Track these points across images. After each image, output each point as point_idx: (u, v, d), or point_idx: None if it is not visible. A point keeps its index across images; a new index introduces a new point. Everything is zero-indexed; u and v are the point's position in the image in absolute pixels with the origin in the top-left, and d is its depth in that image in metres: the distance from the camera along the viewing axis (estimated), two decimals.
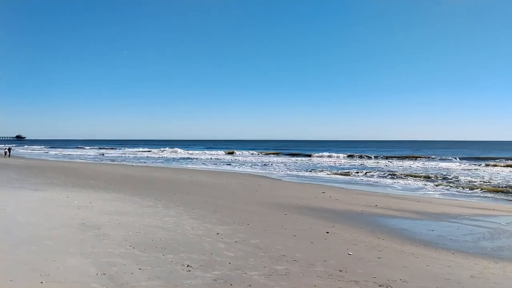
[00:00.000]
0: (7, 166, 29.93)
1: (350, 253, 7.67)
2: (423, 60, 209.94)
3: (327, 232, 9.70)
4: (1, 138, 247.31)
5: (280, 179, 25.22)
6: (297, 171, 32.46)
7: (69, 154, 64.04)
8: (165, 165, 40.88)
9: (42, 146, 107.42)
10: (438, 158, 49.99)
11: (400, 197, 17.41)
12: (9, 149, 49.24)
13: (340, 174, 29.98)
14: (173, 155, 62.36)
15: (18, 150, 78.90)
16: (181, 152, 72.32)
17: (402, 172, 30.99)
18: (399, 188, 21.71)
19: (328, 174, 29.91)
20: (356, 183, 24.13)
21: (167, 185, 19.49)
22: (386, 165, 38.74)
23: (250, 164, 41.30)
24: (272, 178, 25.92)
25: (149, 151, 76.15)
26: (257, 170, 33.56)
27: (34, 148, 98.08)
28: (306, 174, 30.24)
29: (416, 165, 39.18)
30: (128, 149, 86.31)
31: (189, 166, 38.99)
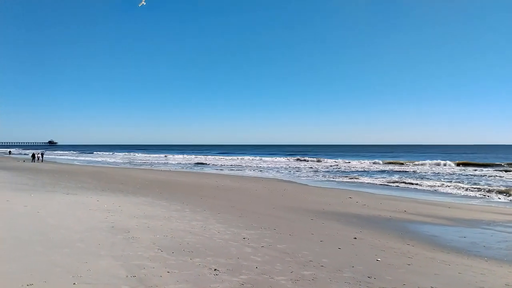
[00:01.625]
0: (41, 170, 30.91)
1: (379, 259, 7.54)
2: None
3: (355, 238, 9.57)
4: (35, 144, 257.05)
5: (307, 184, 25.05)
6: (323, 176, 32.13)
7: (98, 160, 65.48)
8: (191, 170, 41.27)
9: (73, 152, 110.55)
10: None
11: (430, 203, 16.98)
12: (42, 154, 50.91)
13: (367, 178, 29.51)
14: (198, 160, 62.88)
15: (50, 155, 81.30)
16: (205, 158, 72.78)
17: (430, 177, 30.29)
18: (428, 193, 21.19)
19: (354, 179, 29.50)
20: (382, 188, 23.71)
21: (193, 190, 19.67)
22: (414, 170, 37.85)
23: (275, 169, 41.17)
24: (298, 183, 25.79)
25: (174, 156, 77.22)
26: (282, 175, 33.43)
27: (65, 153, 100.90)
28: (333, 179, 29.89)
29: (441, 170, 38.14)
30: (155, 154, 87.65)
31: (214, 171, 39.22)
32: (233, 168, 43.25)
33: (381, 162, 50.10)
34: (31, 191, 15.98)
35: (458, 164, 44.43)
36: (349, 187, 23.49)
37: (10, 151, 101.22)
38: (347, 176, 31.59)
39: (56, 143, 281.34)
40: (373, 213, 13.90)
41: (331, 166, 44.48)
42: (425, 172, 35.37)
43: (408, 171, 36.68)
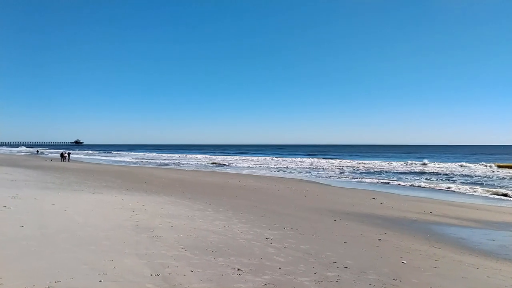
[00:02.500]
0: (67, 170, 31.65)
1: (404, 262, 7.40)
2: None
3: (379, 240, 9.42)
4: (61, 143, 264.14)
5: (329, 185, 24.84)
6: (346, 176, 31.81)
7: (121, 159, 66.59)
8: (212, 169, 41.49)
9: (97, 151, 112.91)
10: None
11: (457, 204, 16.58)
12: (69, 154, 52.15)
13: (391, 179, 29.06)
14: (219, 160, 63.23)
15: (76, 154, 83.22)
16: (225, 158, 73.13)
17: (458, 179, 29.61)
18: (454, 194, 20.70)
19: (377, 179, 29.08)
20: (407, 189, 23.29)
21: (216, 189, 19.78)
22: (439, 171, 37.02)
23: (296, 169, 40.98)
24: (320, 183, 25.61)
25: (195, 156, 77.92)
26: (304, 175, 33.24)
27: (90, 152, 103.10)
28: (356, 179, 29.56)
29: (472, 171, 37.17)
30: (177, 154, 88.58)
31: (236, 170, 39.30)
32: (255, 168, 43.27)
33: (405, 163, 49.18)
34: (58, 189, 16.36)
35: (488, 166, 43.22)
36: (372, 188, 23.17)
37: (38, 151, 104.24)
38: (370, 177, 31.21)
39: (82, 142, 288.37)
40: (398, 214, 13.67)
41: (352, 166, 43.88)
42: (452, 173, 34.57)
43: (434, 172, 35.89)
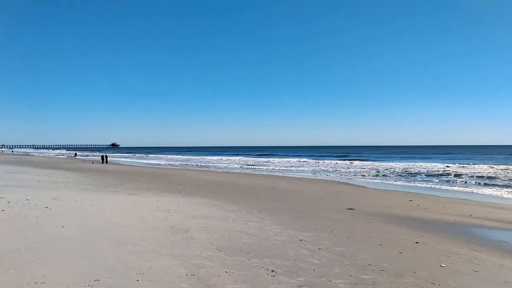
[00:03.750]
0: (104, 172, 32.62)
1: (443, 265, 7.17)
2: None
3: (416, 242, 9.18)
4: (99, 146, 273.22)
5: (364, 186, 24.39)
6: (380, 178, 31.19)
7: (156, 162, 67.91)
8: (246, 171, 41.63)
9: (133, 153, 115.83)
10: None
11: (498, 207, 15.94)
12: (106, 156, 53.76)
13: (428, 181, 28.27)
14: (252, 161, 63.44)
15: (113, 157, 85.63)
16: (254, 160, 73.27)
17: (501, 181, 28.42)
18: (495, 197, 19.90)
19: (413, 181, 28.35)
20: (445, 191, 22.58)
21: (249, 191, 19.86)
22: (482, 173, 35.63)
23: (329, 171, 40.51)
24: (354, 185, 25.21)
25: (226, 158, 78.54)
26: (337, 177, 32.80)
27: (125, 155, 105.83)
28: (390, 181, 28.93)
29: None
30: (208, 157, 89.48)
31: (268, 172, 39.28)
32: (286, 170, 43.08)
33: (444, 164, 47.66)
34: (96, 191, 16.89)
35: None
36: (408, 190, 22.59)
37: (76, 153, 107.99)
38: (406, 178, 30.46)
39: (118, 145, 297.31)
40: (436, 216, 13.27)
41: (387, 168, 42.90)
42: (495, 175, 33.20)
43: (474, 174, 34.59)
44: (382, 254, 7.81)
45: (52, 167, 37.77)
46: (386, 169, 41.00)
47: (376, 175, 33.94)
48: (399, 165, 47.09)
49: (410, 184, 26.16)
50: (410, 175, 33.86)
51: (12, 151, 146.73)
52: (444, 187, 24.26)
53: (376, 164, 51.92)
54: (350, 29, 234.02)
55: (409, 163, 50.86)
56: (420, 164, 48.65)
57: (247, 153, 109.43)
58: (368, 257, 7.48)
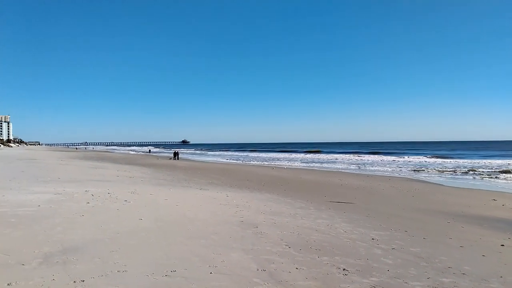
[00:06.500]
0: (177, 168, 34.02)
1: None
2: None
3: (502, 245, 8.46)
4: (170, 143, 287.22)
5: (441, 184, 23.01)
6: (457, 175, 29.24)
7: (225, 158, 69.47)
8: (312, 167, 41.13)
9: (202, 149, 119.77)
10: None
11: None
12: (178, 153, 56.10)
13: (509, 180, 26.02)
14: (317, 158, 62.66)
15: (184, 153, 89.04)
16: (321, 156, 72.22)
17: None
18: None
19: (496, 178, 26.23)
20: None
21: (316, 187, 19.62)
22: None
23: (398, 167, 38.72)
24: (430, 183, 23.90)
25: (290, 154, 78.23)
26: (409, 173, 31.27)
27: (195, 152, 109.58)
28: (469, 178, 27.01)
29: None
30: (277, 154, 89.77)
31: (334, 168, 38.45)
32: (351, 165, 41.81)
33: None
34: (169, 186, 17.64)
35: None
36: (491, 188, 20.95)
37: (149, 150, 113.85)
38: (486, 176, 28.28)
39: (188, 142, 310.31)
40: None
41: (458, 166, 40.09)
42: None
43: None
44: (464, 257, 7.30)
45: (129, 163, 40.13)
46: (458, 168, 38.37)
47: (454, 172, 31.87)
48: (476, 162, 43.94)
49: (492, 182, 24.23)
50: (492, 172, 31.34)
51: (93, 148, 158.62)
52: None
53: (453, 161, 48.90)
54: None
55: (490, 160, 47.23)
56: (500, 161, 44.93)
57: (303, 150, 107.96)
58: (448, 259, 7.03)
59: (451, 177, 28.15)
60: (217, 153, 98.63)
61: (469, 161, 46.92)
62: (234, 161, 54.65)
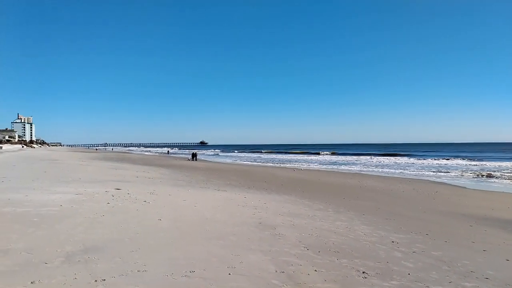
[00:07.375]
0: (195, 169, 34.22)
1: None
2: None
3: None
4: (189, 144, 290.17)
5: (464, 187, 22.54)
6: (480, 178, 28.61)
7: (243, 159, 69.55)
8: (331, 169, 40.80)
9: (220, 150, 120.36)
10: None
11: None
12: (196, 154, 56.49)
13: None
14: (336, 159, 62.19)
15: (202, 155, 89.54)
16: (340, 158, 71.62)
17: None
18: None
19: None
20: None
21: (335, 189, 19.47)
22: None
23: (418, 169, 38.11)
24: (451, 185, 23.44)
25: (309, 155, 77.80)
26: (430, 176, 30.72)
27: (209, 153, 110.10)
28: (491, 180, 26.41)
29: None
30: (294, 155, 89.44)
31: (353, 169, 38.07)
32: (369, 167, 41.28)
33: None
34: (188, 186, 17.75)
35: None
36: None
37: (168, 151, 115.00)
38: (510, 178, 27.58)
39: (206, 143, 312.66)
40: None
41: (481, 168, 39.17)
42: None
43: None
44: (487, 261, 7.13)
45: (148, 164, 40.55)
46: (484, 169, 37.54)
47: (478, 174, 31.19)
48: (498, 165, 42.92)
49: None
50: None
51: (112, 149, 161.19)
52: None
53: (475, 163, 47.89)
54: None
55: (509, 163, 46.09)
56: None
57: (332, 150, 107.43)
58: (470, 263, 6.88)
59: (473, 180, 27.61)
60: (233, 154, 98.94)
61: (492, 163, 45.88)
62: (250, 163, 54.64)
